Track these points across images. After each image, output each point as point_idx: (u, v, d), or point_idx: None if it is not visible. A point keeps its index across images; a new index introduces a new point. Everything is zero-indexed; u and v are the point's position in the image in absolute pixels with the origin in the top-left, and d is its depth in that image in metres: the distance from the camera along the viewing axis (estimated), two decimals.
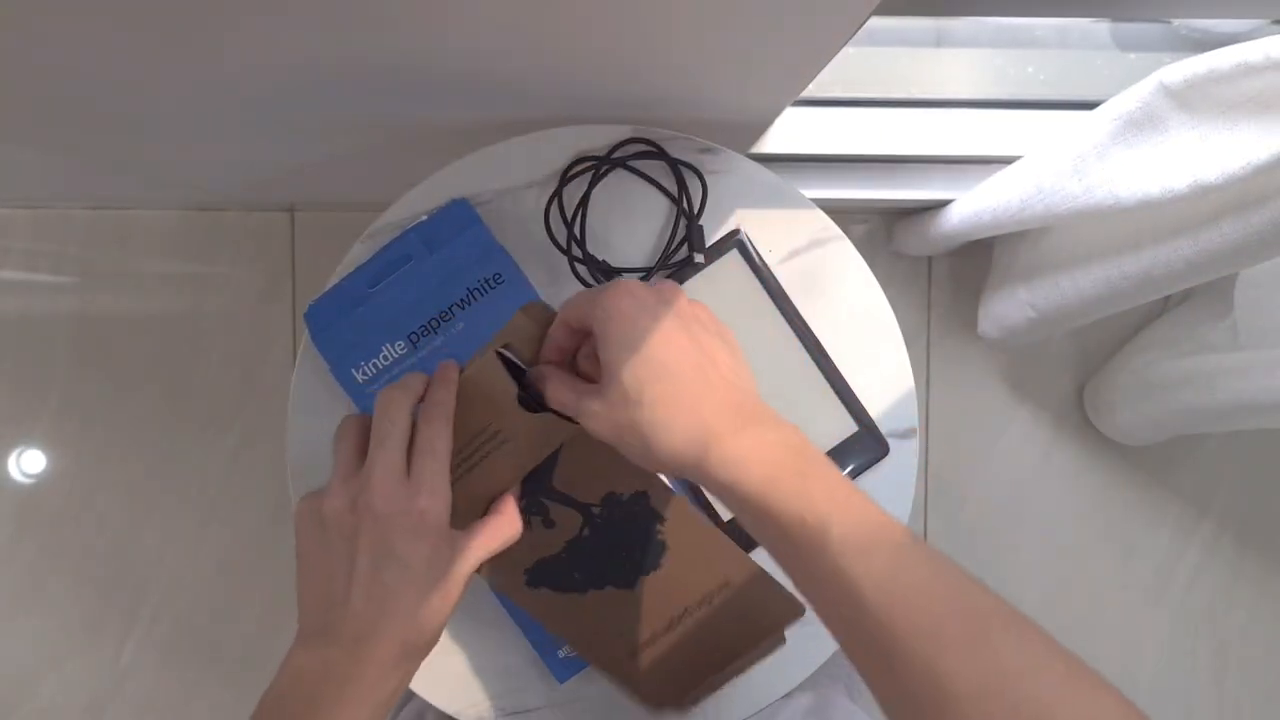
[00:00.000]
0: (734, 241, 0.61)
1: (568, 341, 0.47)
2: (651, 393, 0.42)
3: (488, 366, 0.49)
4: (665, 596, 0.54)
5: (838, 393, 0.61)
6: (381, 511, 0.44)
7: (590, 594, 0.54)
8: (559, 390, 0.46)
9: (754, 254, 0.61)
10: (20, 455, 1.11)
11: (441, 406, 0.47)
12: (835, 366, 0.61)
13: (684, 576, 0.54)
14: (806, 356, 0.61)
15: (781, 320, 0.61)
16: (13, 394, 1.11)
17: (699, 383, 0.42)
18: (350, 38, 0.46)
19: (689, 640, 0.55)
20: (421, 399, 0.48)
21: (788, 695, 0.62)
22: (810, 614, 0.59)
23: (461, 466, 0.49)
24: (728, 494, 0.41)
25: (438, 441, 0.46)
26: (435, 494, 0.45)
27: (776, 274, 0.61)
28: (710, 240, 0.61)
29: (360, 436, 0.47)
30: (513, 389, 0.48)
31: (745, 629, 0.54)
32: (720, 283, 0.61)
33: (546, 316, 0.50)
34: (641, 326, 0.43)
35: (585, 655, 0.55)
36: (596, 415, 0.43)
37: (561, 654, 0.58)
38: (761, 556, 0.49)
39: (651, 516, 0.53)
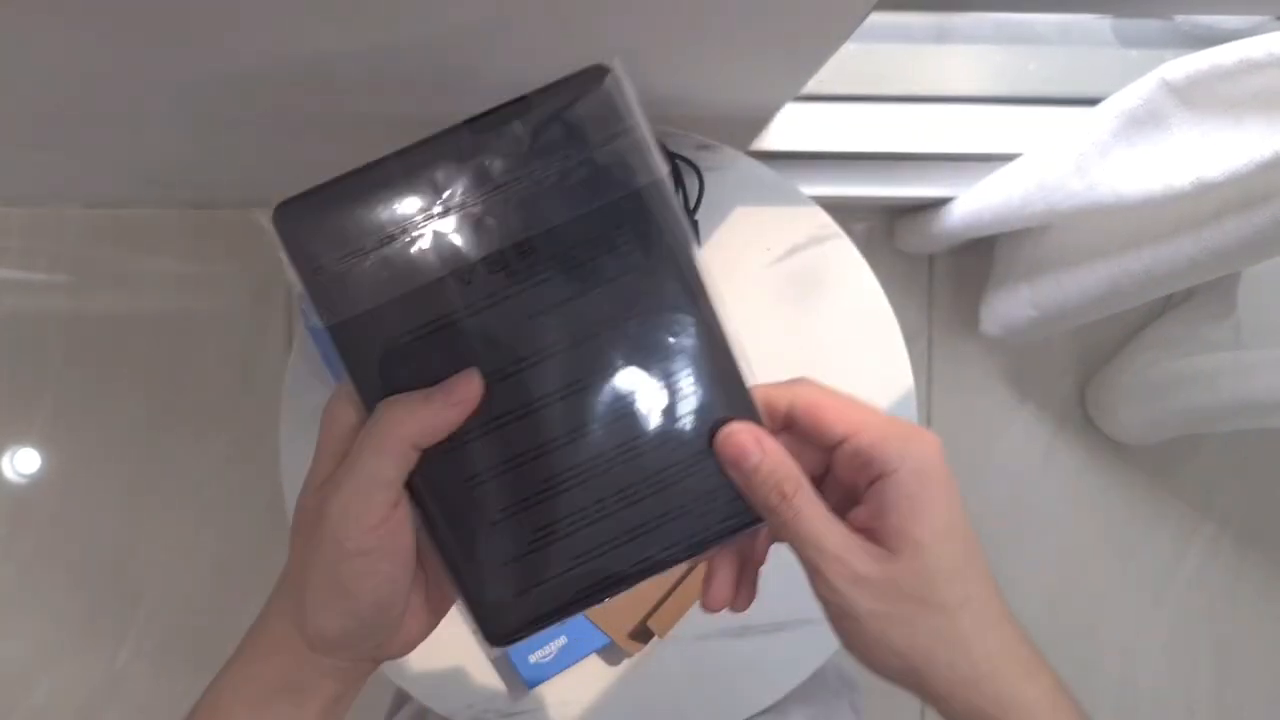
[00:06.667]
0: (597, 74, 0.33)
1: (814, 456, 0.36)
2: (967, 593, 0.36)
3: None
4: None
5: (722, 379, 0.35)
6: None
7: None
8: (817, 520, 0.34)
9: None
10: (14, 455, 1.11)
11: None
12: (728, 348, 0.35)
13: None
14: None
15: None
16: (6, 393, 1.10)
17: (998, 598, 0.37)
18: (350, 32, 0.46)
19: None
20: None
21: (784, 710, 0.62)
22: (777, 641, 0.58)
23: None
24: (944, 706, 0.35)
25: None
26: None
27: (774, 272, 0.60)
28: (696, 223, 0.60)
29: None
30: None
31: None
32: None
33: None
34: (957, 503, 0.36)
35: None
36: (868, 583, 0.34)
37: (532, 659, 0.58)
38: None
39: None
